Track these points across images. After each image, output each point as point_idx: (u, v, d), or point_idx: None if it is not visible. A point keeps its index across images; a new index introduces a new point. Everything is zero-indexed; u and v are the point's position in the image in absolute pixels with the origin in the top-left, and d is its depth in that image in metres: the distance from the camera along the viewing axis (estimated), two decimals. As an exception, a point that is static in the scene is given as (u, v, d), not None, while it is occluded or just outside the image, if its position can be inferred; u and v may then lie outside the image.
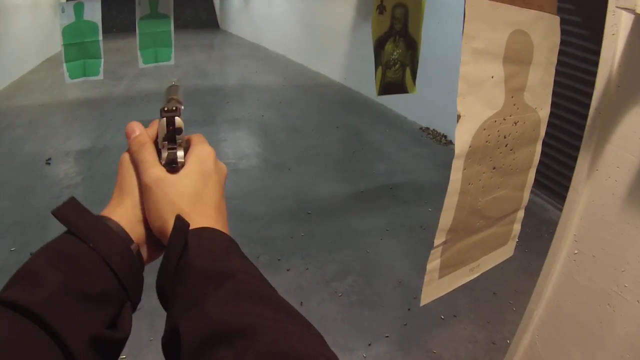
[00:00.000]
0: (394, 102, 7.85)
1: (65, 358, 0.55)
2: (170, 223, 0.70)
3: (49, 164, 5.67)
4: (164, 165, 0.77)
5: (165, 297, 0.68)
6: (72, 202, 0.71)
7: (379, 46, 3.64)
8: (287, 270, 4.03)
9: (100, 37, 4.93)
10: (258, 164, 6.11)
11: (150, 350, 3.07)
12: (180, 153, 0.77)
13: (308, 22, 10.54)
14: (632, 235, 1.36)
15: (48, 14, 10.02)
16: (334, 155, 6.45)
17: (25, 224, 4.43)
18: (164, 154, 0.77)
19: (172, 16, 5.32)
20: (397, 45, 3.68)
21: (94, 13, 4.82)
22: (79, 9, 4.71)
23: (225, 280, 0.63)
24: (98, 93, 8.01)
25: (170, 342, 0.60)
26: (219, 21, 15.13)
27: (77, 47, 4.82)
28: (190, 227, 0.70)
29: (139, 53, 5.25)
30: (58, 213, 0.68)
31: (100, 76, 5.20)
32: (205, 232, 0.71)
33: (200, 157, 0.79)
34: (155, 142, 0.81)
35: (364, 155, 6.48)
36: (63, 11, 4.65)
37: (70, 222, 0.68)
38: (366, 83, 7.77)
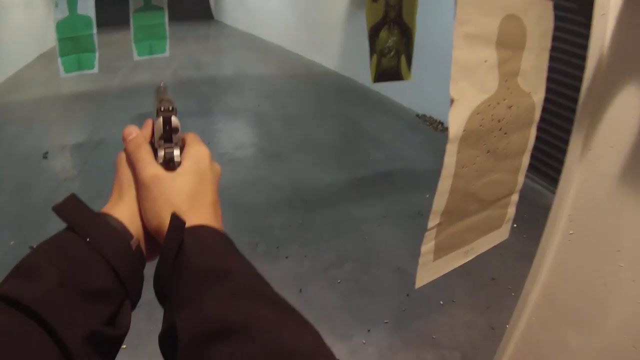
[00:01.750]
0: (389, 89, 7.84)
1: (61, 354, 0.55)
2: (167, 222, 0.70)
3: (46, 158, 5.65)
4: (161, 164, 0.78)
5: (162, 295, 0.69)
6: (72, 199, 0.71)
7: (373, 34, 3.64)
8: (286, 258, 4.04)
9: (95, 31, 4.91)
10: (254, 153, 6.11)
11: (150, 341, 3.08)
12: (177, 152, 0.79)
13: (303, 12, 10.51)
14: (626, 215, 1.37)
15: (42, 8, 9.97)
16: (331, 144, 6.45)
17: (23, 219, 4.43)
18: (161, 153, 0.78)
19: (166, 8, 5.31)
20: (392, 32, 3.67)
21: (87, 7, 4.80)
22: (72, 3, 4.68)
23: (222, 278, 0.63)
24: (93, 86, 7.99)
25: (167, 340, 0.61)
26: (213, 12, 15.07)
27: (72, 41, 4.80)
28: (187, 225, 0.70)
29: (133, 45, 5.24)
30: (58, 209, 0.69)
31: (95, 70, 5.18)
32: (202, 230, 0.72)
33: (196, 156, 0.80)
34: (151, 143, 0.82)
35: (361, 143, 6.49)
36: (57, 5, 4.63)
37: (70, 218, 0.69)
38: (361, 71, 7.74)
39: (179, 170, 0.78)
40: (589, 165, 1.45)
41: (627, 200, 1.36)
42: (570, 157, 1.51)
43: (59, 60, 4.79)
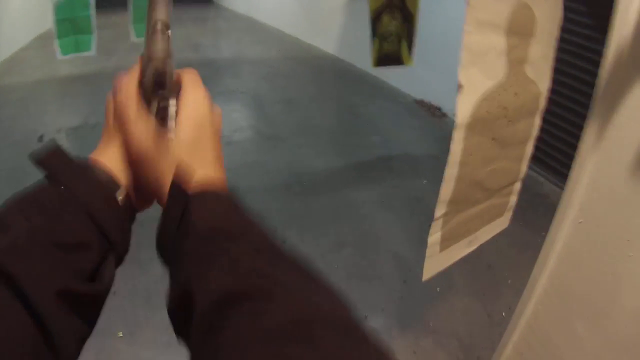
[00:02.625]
0: (388, 74, 7.82)
1: (27, 311, 0.51)
2: (167, 175, 0.67)
3: (42, 141, 5.62)
4: (155, 116, 0.72)
5: (167, 259, 0.65)
6: (52, 146, 0.67)
7: (375, 18, 3.61)
8: (283, 242, 4.01)
9: (93, 12, 4.87)
10: (252, 136, 6.09)
11: (148, 328, 3.08)
12: (172, 101, 0.72)
13: (301, -5, 10.47)
14: (638, 204, 1.36)
15: (38, -11, 9.91)
16: (329, 128, 6.43)
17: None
18: (154, 103, 0.73)
19: (165, -11, 5.26)
20: (394, 17, 3.65)
21: (85, -12, 4.76)
22: (70, -17, 4.65)
23: (237, 239, 0.60)
24: (90, 69, 7.94)
25: (180, 307, 0.57)
26: (211, -6, 15.00)
27: (69, 22, 4.74)
28: (189, 181, 0.66)
29: (131, 27, 5.19)
30: (36, 157, 0.65)
31: (93, 52, 5.12)
32: (207, 194, 0.67)
33: (195, 102, 0.74)
34: (141, 82, 0.75)
35: (359, 127, 6.47)
36: (54, -14, 4.58)
37: (46, 165, 0.65)
38: (360, 55, 7.73)
39: (176, 120, 0.72)
40: (602, 154, 1.44)
41: (639, 190, 1.35)
42: (583, 146, 1.50)
43: (56, 42, 4.74)
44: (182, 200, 0.64)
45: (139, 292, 3.20)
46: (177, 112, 0.72)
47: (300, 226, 4.32)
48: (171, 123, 0.72)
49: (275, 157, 5.55)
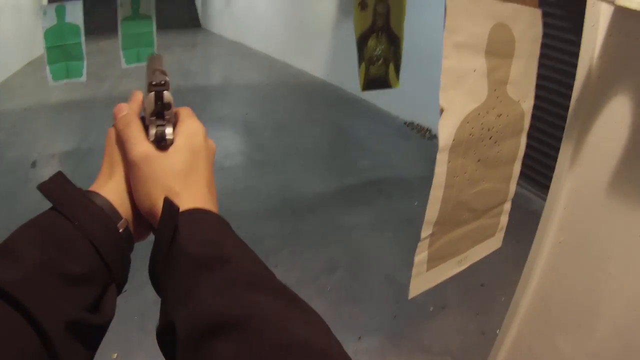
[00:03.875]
0: (377, 97, 7.84)
1: (40, 340, 0.53)
2: (159, 203, 0.68)
3: (34, 167, 5.61)
4: (152, 142, 0.74)
5: (158, 283, 0.66)
6: (59, 177, 0.70)
7: (361, 42, 3.63)
8: (275, 266, 4.03)
9: (83, 39, 4.88)
10: (243, 162, 6.10)
11: (142, 349, 3.07)
12: (169, 130, 0.75)
13: (290, 20, 10.51)
14: (615, 223, 1.38)
15: (30, 17, 9.90)
16: (319, 152, 6.44)
17: (10, 229, 4.36)
18: (152, 131, 0.75)
19: (154, 17, 5.28)
20: (380, 41, 3.67)
21: (75, 15, 4.75)
22: (60, 11, 4.65)
23: (220, 266, 0.60)
24: (81, 95, 7.93)
25: (166, 336, 0.58)
26: (200, 20, 15.04)
27: (60, 49, 4.75)
28: (181, 208, 0.67)
29: (121, 53, 5.21)
30: (43, 187, 0.67)
31: (83, 78, 5.11)
32: (196, 214, 0.69)
33: (189, 133, 0.77)
34: (142, 119, 0.78)
35: (349, 150, 6.49)
36: (45, 14, 4.57)
37: (55, 197, 0.66)
38: (349, 79, 7.76)
39: (172, 148, 0.74)
40: (578, 174, 1.46)
41: (616, 208, 1.37)
42: (559, 166, 1.52)
43: (47, 68, 4.74)
44: (171, 227, 0.65)
45: (133, 314, 3.19)
46: (173, 140, 0.75)
47: (291, 250, 4.32)
48: (168, 147, 0.75)
49: (266, 182, 5.56)
